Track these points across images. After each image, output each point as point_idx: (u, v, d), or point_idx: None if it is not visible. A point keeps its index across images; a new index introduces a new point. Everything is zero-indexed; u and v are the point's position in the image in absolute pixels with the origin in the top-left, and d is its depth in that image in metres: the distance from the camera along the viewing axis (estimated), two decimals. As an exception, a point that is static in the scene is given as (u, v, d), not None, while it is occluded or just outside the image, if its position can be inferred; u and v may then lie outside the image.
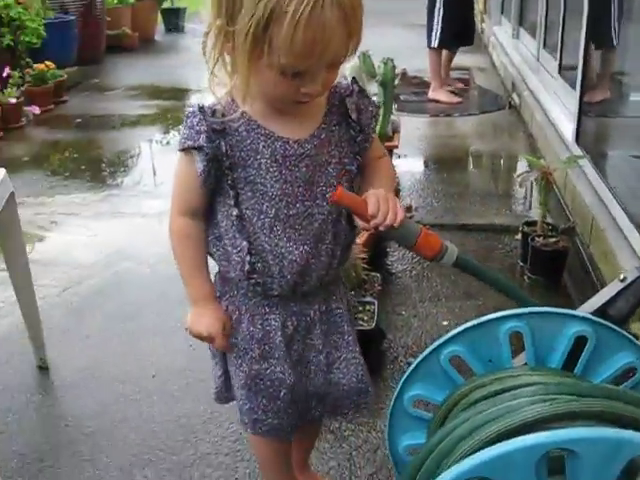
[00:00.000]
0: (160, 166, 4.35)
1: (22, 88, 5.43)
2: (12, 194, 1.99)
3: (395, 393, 1.39)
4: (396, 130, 3.66)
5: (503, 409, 1.13)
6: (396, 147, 3.63)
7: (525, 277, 2.83)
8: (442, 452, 1.15)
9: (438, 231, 3.14)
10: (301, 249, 1.31)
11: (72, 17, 7.03)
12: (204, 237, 1.35)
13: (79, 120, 5.48)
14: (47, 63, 5.75)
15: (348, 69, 3.29)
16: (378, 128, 3.22)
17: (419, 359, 1.35)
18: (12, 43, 5.87)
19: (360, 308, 2.28)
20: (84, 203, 3.74)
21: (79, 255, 3.11)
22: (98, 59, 7.52)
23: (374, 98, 3.42)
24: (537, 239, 2.81)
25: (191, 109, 1.25)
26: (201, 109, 1.24)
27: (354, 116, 1.32)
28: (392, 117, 3.52)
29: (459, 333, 1.32)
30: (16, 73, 5.40)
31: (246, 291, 1.37)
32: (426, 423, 1.39)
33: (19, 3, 6.04)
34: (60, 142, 4.97)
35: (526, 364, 1.35)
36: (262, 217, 1.29)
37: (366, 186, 1.34)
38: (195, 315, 1.38)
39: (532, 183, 3.10)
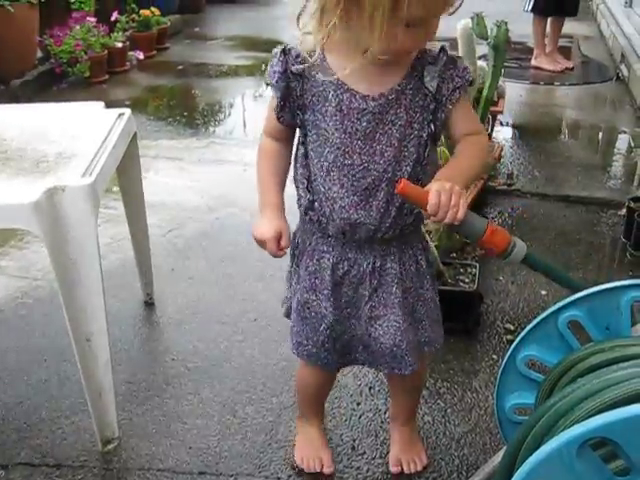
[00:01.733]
0: (261, 117, 4.37)
1: (127, 33, 5.56)
2: (135, 133, 2.06)
3: (509, 351, 1.40)
4: (501, 96, 3.61)
5: (626, 375, 1.14)
6: (500, 113, 3.59)
7: (627, 254, 2.77)
8: (558, 412, 1.16)
9: (539, 201, 3.18)
10: (351, 198, 1.38)
11: (177, -35, 7.11)
12: (281, 155, 1.47)
13: (180, 67, 5.59)
14: (152, 10, 5.86)
15: (459, 30, 3.24)
16: (485, 92, 3.18)
17: (537, 320, 1.36)
18: (120, -12, 6.00)
19: (462, 270, 2.29)
20: (187, 149, 3.83)
21: (183, 199, 3.20)
22: (199, 8, 7.61)
23: (482, 63, 3.37)
24: (643, 215, 2.74)
25: (276, 50, 1.36)
26: (283, 51, 1.34)
27: (432, 84, 1.34)
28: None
29: (580, 298, 1.32)
30: (123, 18, 5.54)
31: (310, 226, 1.48)
32: (535, 384, 1.40)
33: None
34: (162, 88, 5.08)
35: (645, 335, 1.34)
36: (322, 160, 1.38)
37: (448, 164, 1.39)
38: (257, 221, 1.46)
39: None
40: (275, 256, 1.45)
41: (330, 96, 1.34)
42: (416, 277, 1.51)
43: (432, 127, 1.37)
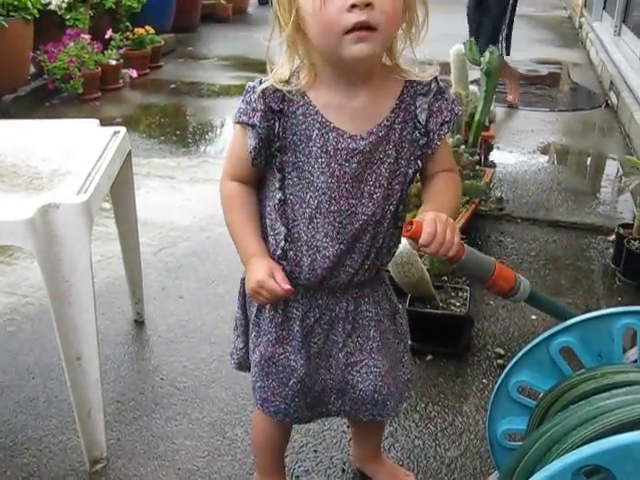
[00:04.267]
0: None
1: (121, 51, 5.59)
2: (129, 152, 2.07)
3: (501, 377, 1.40)
4: (492, 120, 3.64)
5: (618, 403, 1.14)
6: (492, 137, 3.62)
7: (616, 279, 2.79)
8: (551, 439, 1.17)
9: (529, 226, 3.20)
10: (337, 247, 1.27)
11: (171, -15, 7.17)
12: (252, 200, 1.32)
13: (173, 86, 5.62)
14: (147, 28, 5.89)
15: (452, 55, 3.29)
16: (477, 116, 3.21)
17: (529, 346, 1.36)
18: (114, 6, 6.02)
19: (453, 294, 2.30)
20: (179, 167, 3.84)
21: (174, 217, 3.20)
22: (193, 27, 7.67)
23: (473, 88, 3.41)
24: (633, 242, 2.76)
25: (252, 84, 1.23)
26: (261, 86, 1.21)
27: (422, 117, 1.25)
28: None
29: (573, 324, 1.33)
30: (117, 36, 5.56)
31: None
32: (527, 410, 1.40)
33: (123, -33, 6.20)
34: (154, 106, 5.10)
35: (637, 361, 1.35)
36: (304, 206, 1.26)
37: (426, 202, 1.31)
38: (247, 275, 1.30)
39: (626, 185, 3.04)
40: (280, 296, 1.28)
41: (314, 135, 1.22)
42: (391, 314, 1.44)
43: (419, 163, 1.28)
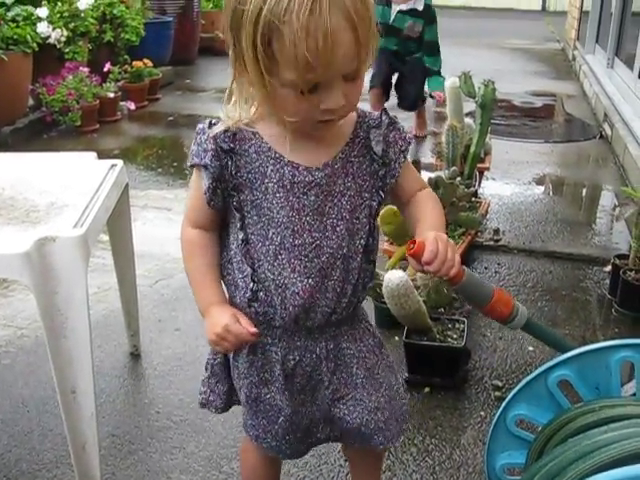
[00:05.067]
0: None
1: (119, 84, 5.63)
2: (127, 185, 2.08)
3: (499, 410, 1.40)
4: (488, 152, 3.67)
5: (616, 437, 1.14)
6: (487, 169, 3.64)
7: (613, 310, 2.79)
8: (550, 474, 1.17)
9: (526, 257, 3.21)
10: (305, 282, 1.25)
11: (169, 19, 7.24)
12: (213, 247, 1.31)
13: (171, 118, 5.64)
14: (145, 61, 5.94)
15: (447, 88, 3.32)
16: (473, 148, 3.24)
17: (527, 379, 1.36)
18: (112, 40, 6.09)
19: (449, 325, 2.30)
20: (176, 199, 3.85)
21: (171, 249, 3.18)
22: (191, 60, 7.72)
23: (469, 120, 3.43)
24: (629, 273, 2.77)
25: (201, 125, 1.24)
26: (210, 127, 1.22)
27: (378, 149, 1.27)
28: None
29: (570, 357, 1.33)
30: (115, 69, 5.61)
31: (249, 319, 1.29)
32: (526, 443, 1.40)
33: (122, 2, 6.27)
34: (152, 138, 5.12)
35: (635, 394, 1.35)
36: (267, 243, 1.24)
37: (418, 222, 1.31)
38: (207, 325, 1.27)
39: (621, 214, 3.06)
40: (247, 340, 1.25)
41: (269, 171, 1.22)
42: (378, 348, 1.41)
43: (382, 194, 1.29)
